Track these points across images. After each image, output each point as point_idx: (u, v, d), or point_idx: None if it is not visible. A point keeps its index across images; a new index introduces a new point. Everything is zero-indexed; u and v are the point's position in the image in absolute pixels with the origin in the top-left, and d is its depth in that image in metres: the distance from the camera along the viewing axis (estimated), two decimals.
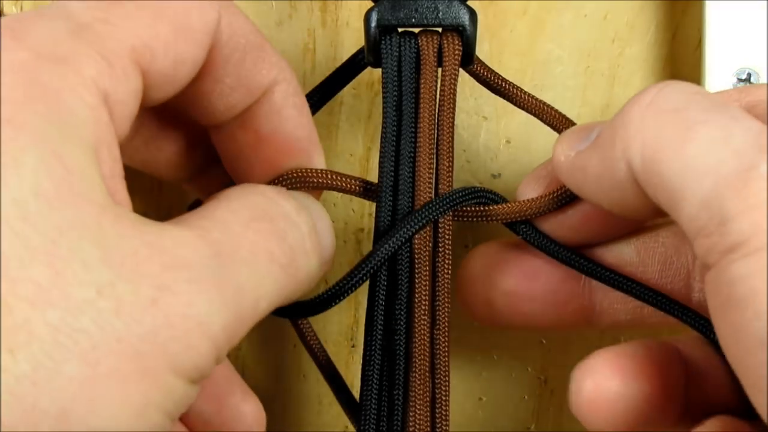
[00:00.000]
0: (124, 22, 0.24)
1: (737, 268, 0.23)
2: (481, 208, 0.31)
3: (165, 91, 0.26)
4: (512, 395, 0.37)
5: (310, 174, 0.30)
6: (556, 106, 0.36)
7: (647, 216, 0.27)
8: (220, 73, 0.27)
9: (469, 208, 0.31)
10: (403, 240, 0.30)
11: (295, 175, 0.30)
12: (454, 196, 0.30)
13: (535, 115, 0.32)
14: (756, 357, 0.22)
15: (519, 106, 0.32)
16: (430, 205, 0.30)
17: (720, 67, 0.34)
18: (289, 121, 0.29)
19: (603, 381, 0.28)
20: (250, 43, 0.28)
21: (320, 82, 0.32)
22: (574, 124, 0.31)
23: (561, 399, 0.37)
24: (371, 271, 0.30)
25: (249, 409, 0.30)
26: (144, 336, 0.22)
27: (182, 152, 0.31)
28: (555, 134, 0.37)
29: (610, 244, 0.31)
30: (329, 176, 0.30)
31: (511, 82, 0.32)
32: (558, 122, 0.32)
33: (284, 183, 0.30)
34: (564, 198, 0.30)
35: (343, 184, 0.31)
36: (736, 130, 0.24)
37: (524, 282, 0.32)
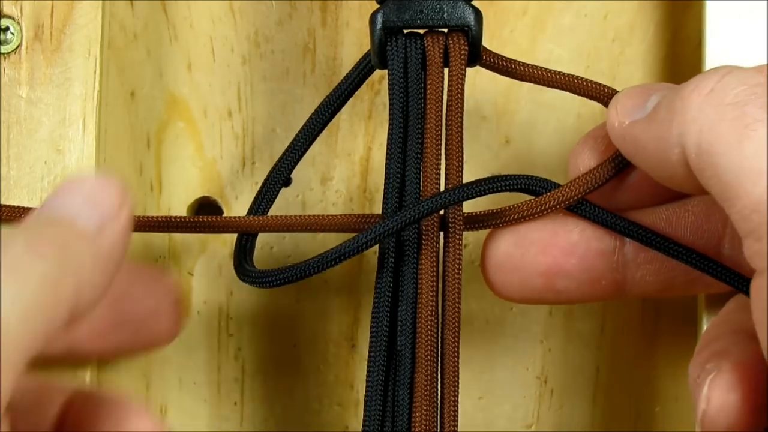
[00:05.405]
0: None
1: None
2: (533, 202, 0.30)
3: None
4: (512, 395, 0.37)
5: None
6: (556, 106, 0.36)
7: (694, 193, 0.27)
8: None
9: (515, 206, 0.30)
10: (408, 220, 0.29)
11: None
12: (463, 188, 0.30)
13: (570, 90, 0.31)
14: None
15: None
16: (438, 196, 0.30)
17: None
18: None
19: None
20: None
21: (330, 93, 0.32)
22: (615, 91, 0.31)
23: (561, 399, 0.37)
24: (372, 241, 0.30)
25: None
26: None
27: None
28: (556, 134, 0.37)
29: (640, 213, 0.31)
30: None
31: (535, 66, 0.31)
32: (598, 93, 0.31)
33: None
34: (621, 164, 0.30)
35: None
36: None
37: (561, 259, 0.31)
